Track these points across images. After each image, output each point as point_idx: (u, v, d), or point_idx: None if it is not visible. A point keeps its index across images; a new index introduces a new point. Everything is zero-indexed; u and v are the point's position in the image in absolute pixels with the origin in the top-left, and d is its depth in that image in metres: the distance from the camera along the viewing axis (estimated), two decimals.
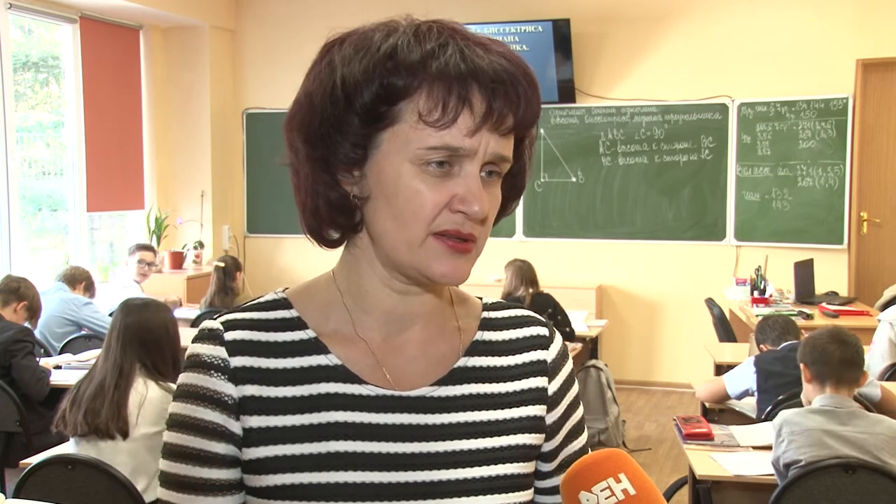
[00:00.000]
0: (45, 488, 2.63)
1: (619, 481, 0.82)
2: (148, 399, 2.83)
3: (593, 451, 0.87)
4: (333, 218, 0.94)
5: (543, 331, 1.05)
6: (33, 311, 4.48)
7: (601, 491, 0.82)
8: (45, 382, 4.09)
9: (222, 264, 5.56)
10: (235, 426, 0.93)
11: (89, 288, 5.26)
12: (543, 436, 1.02)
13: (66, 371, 4.38)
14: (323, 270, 1.02)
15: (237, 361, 0.94)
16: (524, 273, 5.27)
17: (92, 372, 2.91)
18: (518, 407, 1.00)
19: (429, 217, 0.89)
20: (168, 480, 0.94)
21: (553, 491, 1.04)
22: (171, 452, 0.94)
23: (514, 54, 0.92)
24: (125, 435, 2.78)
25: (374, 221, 0.92)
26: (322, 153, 0.92)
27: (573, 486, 0.84)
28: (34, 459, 2.86)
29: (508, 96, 0.89)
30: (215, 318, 0.97)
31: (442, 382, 0.97)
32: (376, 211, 0.92)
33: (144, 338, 2.90)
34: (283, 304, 0.99)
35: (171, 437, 0.95)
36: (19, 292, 4.39)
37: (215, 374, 0.93)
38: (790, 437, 2.77)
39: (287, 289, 1.02)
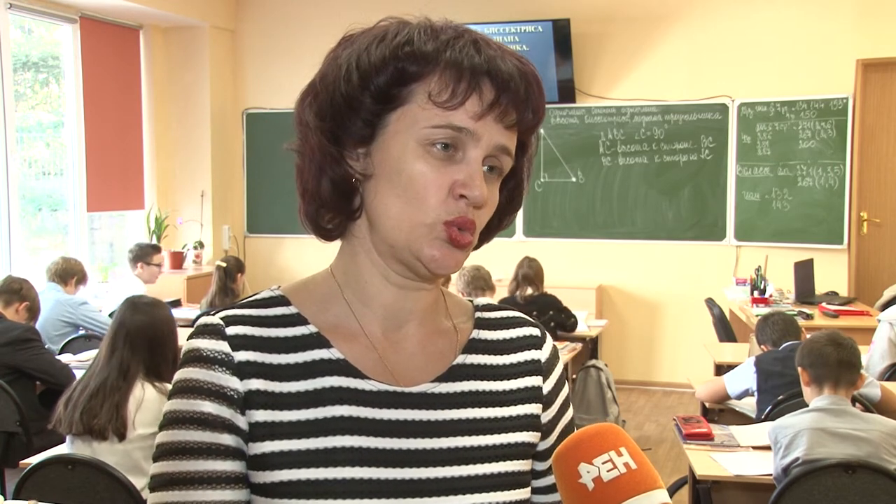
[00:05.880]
0: (44, 488, 2.62)
1: (620, 455, 0.79)
2: (145, 401, 2.82)
3: (587, 426, 0.84)
4: (334, 200, 0.95)
5: (535, 331, 1.06)
6: (33, 312, 4.50)
7: (603, 463, 0.78)
8: (69, 368, 4.12)
9: (224, 264, 5.52)
10: (241, 421, 0.91)
11: (82, 280, 5.23)
12: (540, 434, 1.02)
13: None
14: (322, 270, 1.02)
15: (241, 356, 0.92)
16: (522, 272, 5.29)
17: (90, 370, 2.89)
18: (515, 405, 1.00)
19: (430, 199, 0.90)
20: (170, 481, 0.89)
21: (548, 490, 1.04)
22: (173, 450, 0.90)
23: (525, 59, 0.95)
24: (122, 437, 2.78)
25: (376, 201, 0.93)
26: (331, 126, 0.93)
27: (572, 457, 0.80)
28: (34, 459, 2.85)
29: (518, 93, 0.91)
30: (212, 315, 0.95)
31: (442, 379, 0.97)
32: (378, 190, 0.93)
33: (153, 338, 2.89)
34: (280, 300, 0.98)
35: (170, 435, 0.91)
36: (21, 293, 4.41)
37: (219, 369, 0.91)
38: (784, 440, 2.78)
39: (280, 286, 1.01)
